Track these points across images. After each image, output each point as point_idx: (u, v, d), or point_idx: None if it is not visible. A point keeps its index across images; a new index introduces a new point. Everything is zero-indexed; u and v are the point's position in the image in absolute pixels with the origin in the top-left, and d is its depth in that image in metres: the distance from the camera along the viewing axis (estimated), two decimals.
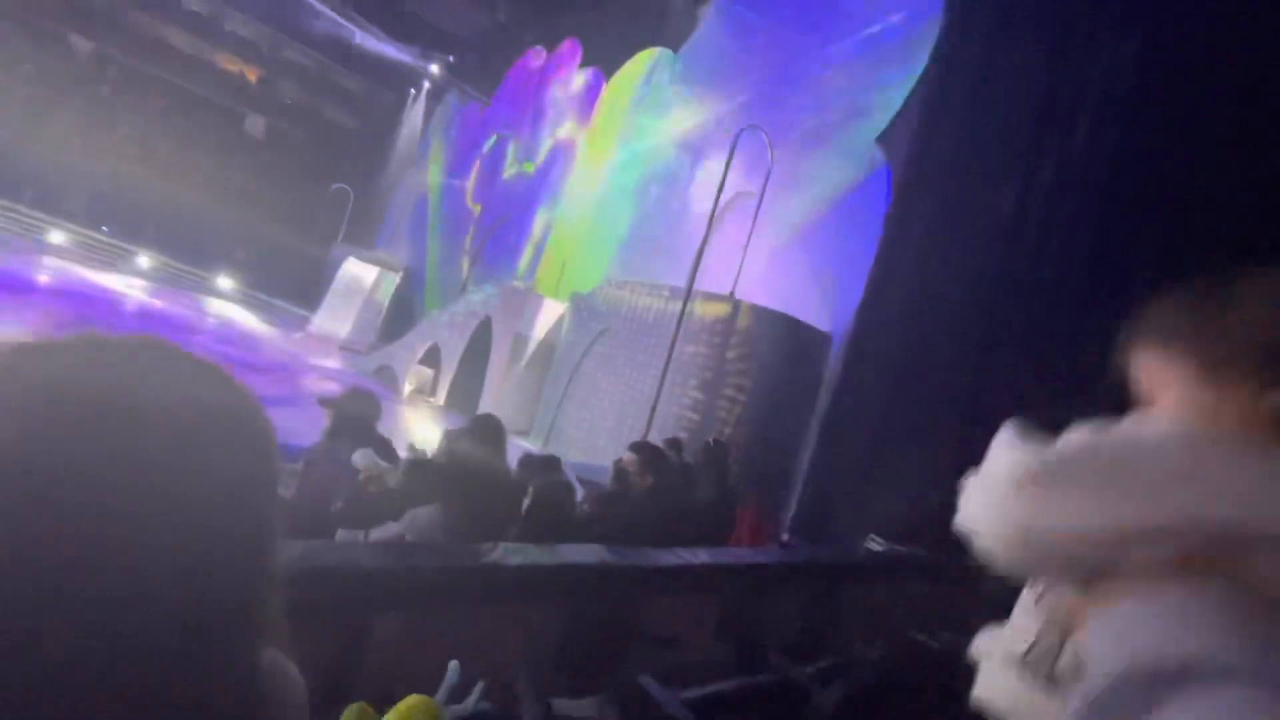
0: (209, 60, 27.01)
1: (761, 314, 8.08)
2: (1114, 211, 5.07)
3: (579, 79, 16.44)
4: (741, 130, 8.15)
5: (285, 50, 27.18)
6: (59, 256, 15.94)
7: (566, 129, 16.46)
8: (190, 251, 19.55)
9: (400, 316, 17.81)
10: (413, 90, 23.97)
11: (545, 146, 17.06)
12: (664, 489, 3.64)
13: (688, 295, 7.60)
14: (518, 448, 6.24)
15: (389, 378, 13.27)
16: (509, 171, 18.41)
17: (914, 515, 5.10)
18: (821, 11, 10.68)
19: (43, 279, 13.42)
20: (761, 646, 2.76)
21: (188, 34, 26.27)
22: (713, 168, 9.97)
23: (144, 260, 18.22)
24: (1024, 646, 0.53)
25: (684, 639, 2.53)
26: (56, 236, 17.29)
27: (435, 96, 23.13)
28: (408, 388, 12.91)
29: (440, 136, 21.90)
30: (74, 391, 0.39)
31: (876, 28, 9.81)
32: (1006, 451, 0.49)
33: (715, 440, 5.01)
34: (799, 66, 10.78)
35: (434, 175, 21.38)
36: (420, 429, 9.33)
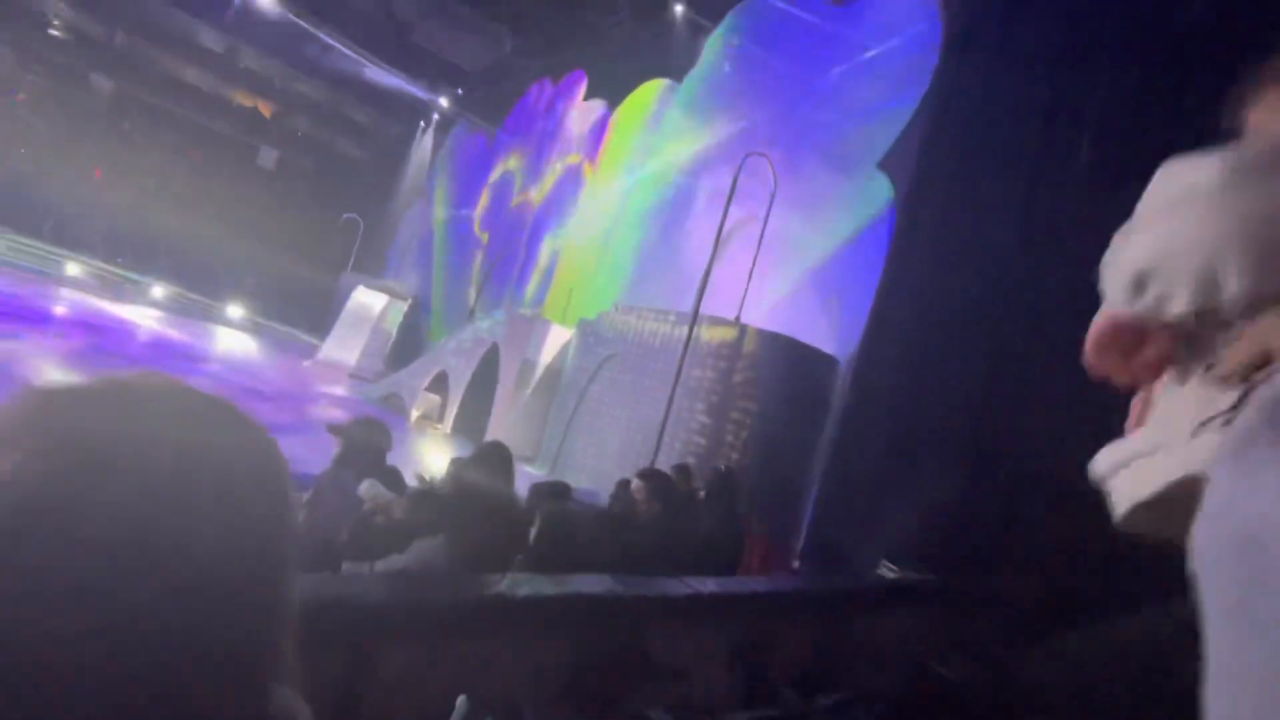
0: (224, 96, 27.75)
1: (767, 338, 8.09)
2: (1115, 230, 5.07)
3: (585, 110, 16.75)
4: (746, 156, 8.26)
5: (297, 84, 27.88)
6: (76, 288, 16.22)
7: (572, 158, 16.73)
8: (203, 281, 19.83)
9: (408, 344, 17.94)
10: (422, 122, 24.46)
11: (552, 175, 17.32)
12: (672, 516, 3.61)
13: (694, 320, 7.63)
14: (525, 474, 6.22)
15: (397, 405, 13.32)
16: (515, 200, 18.67)
17: (926, 540, 5.03)
18: (821, 38, 10.89)
19: (59, 310, 13.63)
20: (773, 678, 2.71)
21: (204, 71, 27.02)
22: (718, 194, 10.09)
23: (158, 290, 18.51)
24: (1228, 402, 0.41)
25: (693, 670, 2.48)
26: (74, 268, 17.60)
27: (443, 128, 23.58)
28: (415, 414, 12.95)
29: (448, 166, 22.29)
30: (91, 437, 0.41)
31: (876, 51, 9.99)
32: (1188, 165, 0.40)
33: (726, 467, 4.98)
34: (800, 92, 10.96)
35: (441, 204, 21.70)
36: (428, 457, 9.33)
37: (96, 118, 24.05)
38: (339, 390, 14.42)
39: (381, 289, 19.00)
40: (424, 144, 24.39)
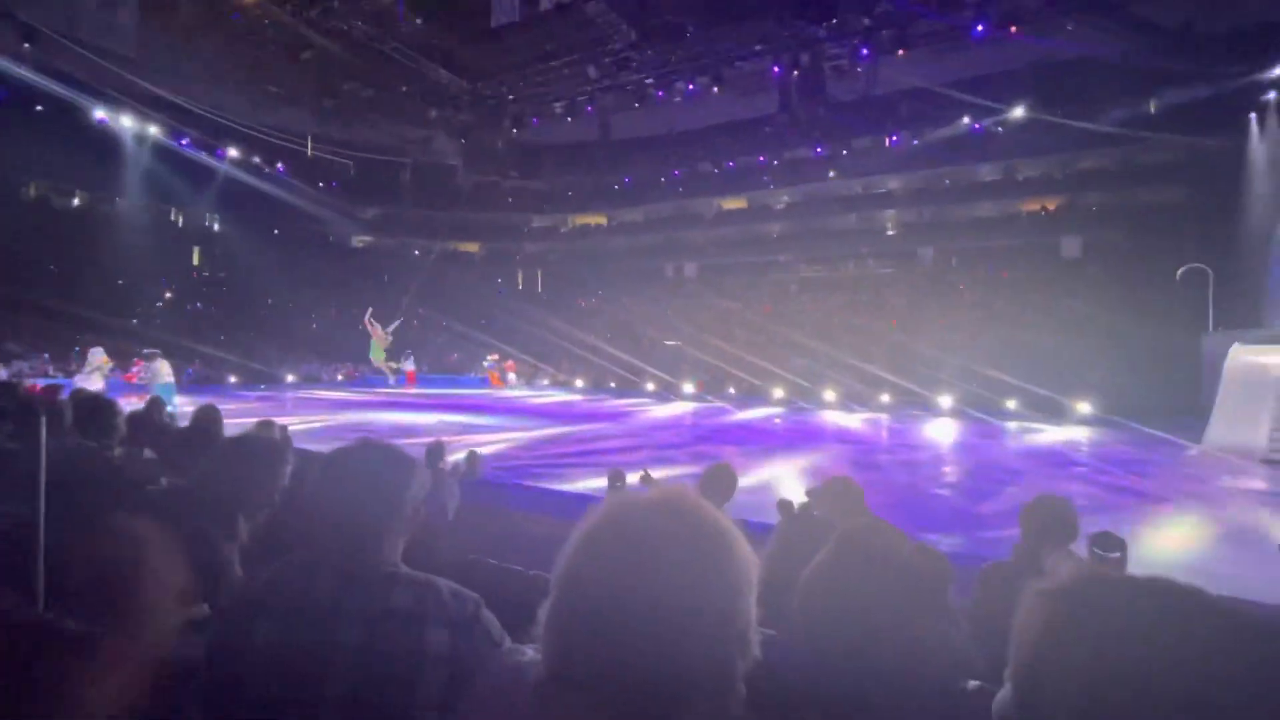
0: (1012, 214, 29.52)
1: None
2: None
3: None
4: None
5: (1078, 164, 26.89)
6: (945, 415, 19.37)
7: None
8: (1050, 388, 19.70)
9: None
10: (1253, 115, 18.74)
11: None
12: None
13: None
14: None
15: None
16: None
17: None
18: None
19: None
20: None
21: (990, 202, 29.83)
22: None
23: (1011, 404, 19.78)
24: None
25: None
26: (944, 400, 20.94)
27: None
28: None
29: None
30: (619, 532, 0.77)
31: None
32: None
33: None
34: None
35: None
36: None
37: (928, 284, 29.63)
38: (1257, 484, 11.06)
39: (1269, 340, 14.38)
40: (1259, 141, 18.52)
